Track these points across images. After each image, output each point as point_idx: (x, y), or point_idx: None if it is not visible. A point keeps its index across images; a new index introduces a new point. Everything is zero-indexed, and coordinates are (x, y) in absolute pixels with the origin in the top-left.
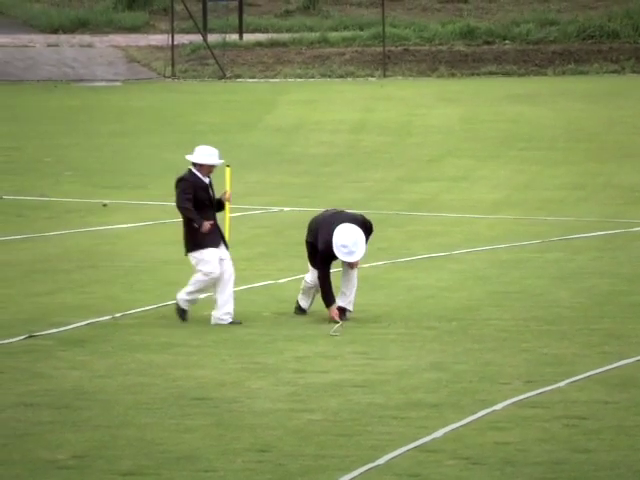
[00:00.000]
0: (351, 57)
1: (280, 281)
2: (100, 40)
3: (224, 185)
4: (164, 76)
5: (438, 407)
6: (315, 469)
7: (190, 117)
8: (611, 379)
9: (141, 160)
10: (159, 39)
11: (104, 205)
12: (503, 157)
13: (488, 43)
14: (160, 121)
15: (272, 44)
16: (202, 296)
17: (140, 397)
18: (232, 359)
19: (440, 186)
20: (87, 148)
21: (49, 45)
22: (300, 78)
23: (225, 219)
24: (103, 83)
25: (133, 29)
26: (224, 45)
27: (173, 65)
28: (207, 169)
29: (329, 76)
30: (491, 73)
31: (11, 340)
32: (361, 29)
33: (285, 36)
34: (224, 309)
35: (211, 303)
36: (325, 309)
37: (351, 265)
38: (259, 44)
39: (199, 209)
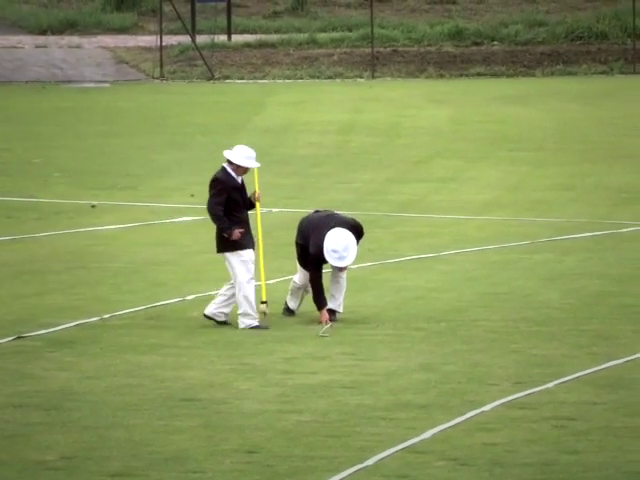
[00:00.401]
0: (339, 58)
1: (269, 282)
2: (89, 41)
3: (253, 185)
4: (153, 77)
5: (427, 408)
6: (304, 470)
7: (179, 118)
8: (600, 380)
9: (130, 161)
10: (147, 40)
11: (93, 206)
12: (492, 158)
13: (477, 44)
14: (149, 122)
15: (260, 45)
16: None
17: (129, 398)
18: (221, 360)
19: (429, 187)
20: (76, 149)
21: (37, 46)
22: (289, 79)
23: (257, 219)
24: (92, 84)
25: (122, 30)
26: (212, 46)
27: (162, 66)
28: (243, 170)
29: (318, 77)
30: (480, 74)
31: (0, 341)
32: (349, 30)
33: (273, 37)
34: (225, 309)
35: (202, 303)
36: (314, 311)
37: (340, 269)
38: (247, 45)
39: (232, 209)
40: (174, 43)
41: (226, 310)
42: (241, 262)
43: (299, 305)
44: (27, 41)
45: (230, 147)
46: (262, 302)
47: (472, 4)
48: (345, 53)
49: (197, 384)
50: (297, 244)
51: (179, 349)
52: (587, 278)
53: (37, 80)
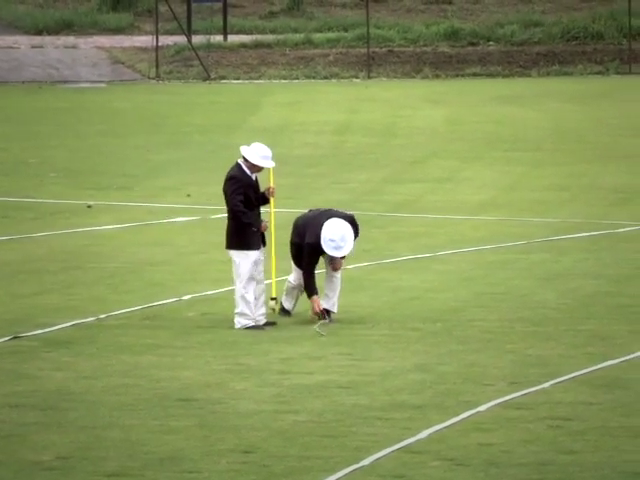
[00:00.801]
0: (335, 58)
1: (265, 282)
2: (84, 41)
3: (267, 182)
4: (148, 77)
5: (422, 408)
6: (300, 470)
7: (175, 118)
8: (596, 380)
9: (126, 161)
10: (143, 40)
11: (89, 206)
12: (488, 158)
13: (472, 44)
14: (145, 122)
15: (256, 45)
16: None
17: (125, 398)
18: (217, 360)
19: (425, 187)
20: (72, 149)
21: (33, 46)
22: (284, 79)
23: (270, 215)
24: (87, 84)
25: (117, 30)
26: (208, 46)
27: (157, 66)
28: (257, 169)
29: (313, 77)
30: (475, 74)
31: None
32: (345, 30)
33: (269, 37)
34: (259, 311)
35: (198, 303)
36: (309, 315)
37: (334, 267)
38: (243, 45)
39: (246, 207)
40: (170, 43)
41: (262, 310)
42: (247, 262)
43: (294, 305)
44: (23, 41)
45: (225, 147)
46: (272, 298)
47: (468, 4)
48: (341, 53)
49: (193, 384)
50: (292, 244)
51: (175, 349)
52: (583, 278)
53: (33, 80)
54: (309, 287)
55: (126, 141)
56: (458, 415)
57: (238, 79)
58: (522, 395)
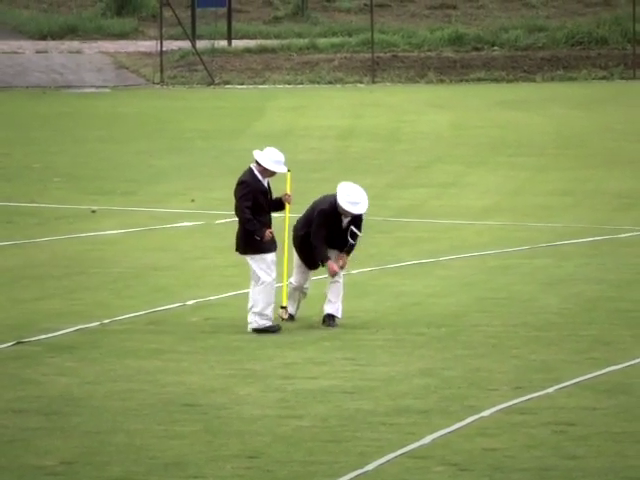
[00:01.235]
0: (340, 63)
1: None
2: (89, 46)
3: (285, 188)
4: (153, 82)
5: (426, 413)
6: (304, 475)
7: (179, 123)
8: (599, 385)
9: (130, 166)
10: (148, 45)
11: (93, 211)
12: (492, 163)
13: (477, 49)
14: (149, 127)
15: (261, 50)
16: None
17: (129, 403)
18: (221, 365)
19: (429, 192)
20: (76, 154)
21: (38, 51)
22: (289, 84)
23: (285, 220)
24: (92, 89)
25: (122, 35)
26: (213, 51)
27: (162, 71)
28: (270, 173)
29: (318, 82)
30: (480, 79)
31: (0, 346)
32: (350, 35)
33: (274, 42)
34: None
35: (202, 308)
36: (313, 316)
37: (333, 272)
38: (248, 50)
39: (256, 212)
40: (174, 48)
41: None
42: (263, 265)
43: (297, 309)
44: (27, 46)
45: (229, 152)
46: (282, 307)
47: (472, 9)
48: (345, 58)
49: (197, 389)
50: (296, 238)
51: (179, 354)
52: (586, 283)
53: (37, 85)
54: (321, 253)
55: (130, 146)
56: (462, 420)
57: (242, 84)
58: (526, 400)
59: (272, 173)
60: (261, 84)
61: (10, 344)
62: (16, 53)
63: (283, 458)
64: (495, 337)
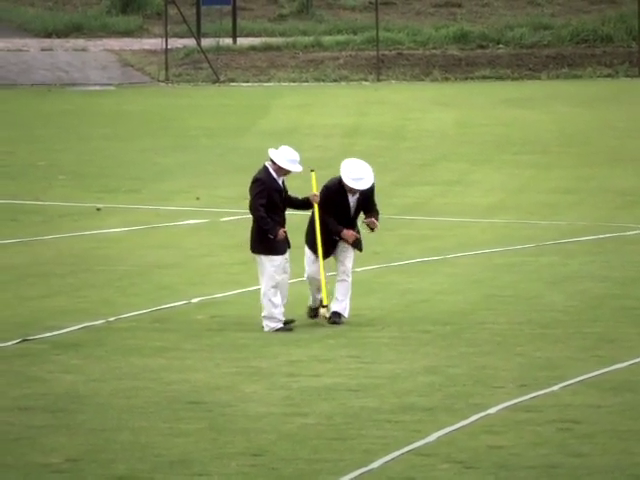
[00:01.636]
0: (345, 61)
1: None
2: (94, 44)
3: (311, 189)
4: (158, 80)
5: (432, 411)
6: (309, 473)
7: (184, 121)
8: (604, 383)
9: (134, 164)
10: (153, 43)
11: (98, 209)
12: (497, 161)
13: (482, 47)
14: (154, 125)
15: (266, 48)
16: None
17: (134, 401)
18: (226, 363)
19: (434, 190)
20: (80, 152)
21: (43, 49)
22: (294, 82)
23: (315, 221)
24: (97, 87)
25: (127, 33)
26: (218, 49)
27: (167, 69)
28: (284, 172)
29: (323, 80)
30: (485, 77)
31: (5, 344)
32: (355, 33)
33: (279, 40)
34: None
35: (207, 306)
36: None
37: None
38: (253, 48)
39: (271, 211)
40: (179, 46)
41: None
42: (272, 266)
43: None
44: (32, 44)
45: (234, 150)
46: (323, 306)
47: (477, 7)
48: (350, 56)
49: (202, 387)
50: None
51: (184, 352)
52: (591, 281)
53: (42, 83)
54: (332, 227)
55: (135, 144)
56: (467, 418)
57: (247, 82)
58: (531, 398)
59: (287, 172)
60: (266, 82)
61: (16, 342)
62: (21, 51)
63: (288, 456)
64: (500, 335)
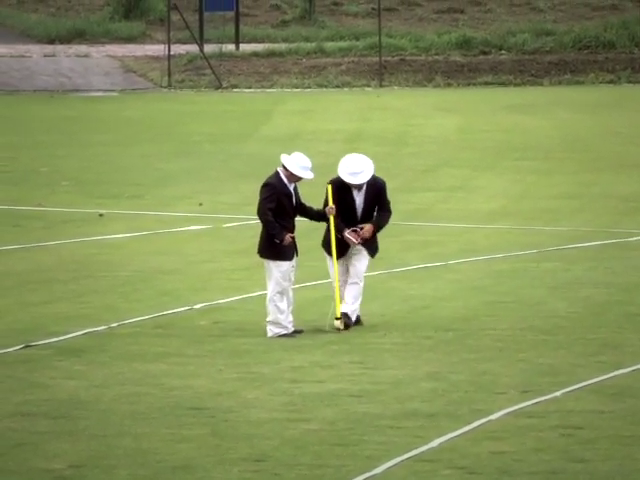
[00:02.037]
0: (347, 67)
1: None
2: (97, 50)
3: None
4: (160, 86)
5: (434, 417)
6: (311, 479)
7: (186, 127)
8: (607, 389)
9: (137, 170)
10: (156, 49)
11: (100, 215)
12: (499, 167)
13: (484, 53)
14: (156, 131)
15: (268, 54)
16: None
17: (136, 407)
18: (228, 369)
19: (436, 196)
20: (83, 158)
21: (46, 55)
22: (296, 88)
23: (331, 233)
24: (100, 93)
25: (130, 39)
26: (220, 55)
27: (170, 75)
28: (296, 178)
29: (325, 86)
30: (487, 83)
31: (7, 350)
32: (357, 39)
33: (281, 46)
34: (288, 318)
35: (209, 311)
36: (319, 321)
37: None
38: (255, 54)
39: (279, 216)
40: (182, 52)
41: (290, 318)
42: (279, 272)
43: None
44: (35, 50)
45: (237, 156)
46: (336, 318)
47: (479, 13)
48: (353, 62)
49: (205, 393)
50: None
51: (187, 358)
52: (594, 287)
53: (45, 89)
54: (336, 228)
55: (137, 150)
56: (470, 423)
57: (250, 88)
58: (533, 404)
59: (298, 178)
60: (269, 88)
61: (18, 347)
62: (24, 57)
63: (290, 461)
64: (503, 341)
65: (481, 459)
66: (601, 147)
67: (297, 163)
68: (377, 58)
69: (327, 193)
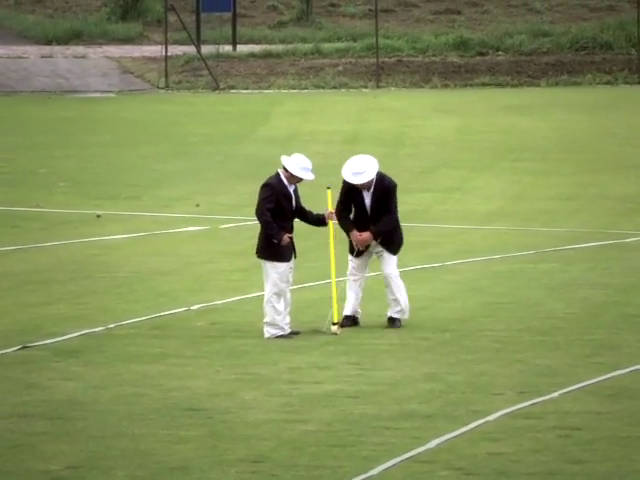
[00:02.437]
0: (344, 68)
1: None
2: (94, 51)
3: (325, 206)
4: (158, 87)
5: (431, 418)
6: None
7: (183, 128)
8: (604, 390)
9: (134, 171)
10: (153, 50)
11: (98, 216)
12: (496, 168)
13: (481, 54)
14: (153, 132)
15: (265, 55)
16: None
17: (134, 408)
18: (226, 370)
19: (434, 197)
20: (81, 159)
21: (43, 56)
22: (293, 89)
23: (330, 239)
24: (97, 94)
25: (127, 40)
26: (218, 56)
27: (167, 76)
28: (296, 179)
29: (322, 87)
30: (484, 84)
31: (5, 351)
32: (354, 40)
33: (279, 47)
34: (284, 320)
35: (207, 312)
36: (315, 322)
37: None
38: (252, 55)
39: (278, 217)
40: (179, 53)
41: (287, 320)
42: (276, 273)
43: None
44: (32, 51)
45: (234, 157)
46: (333, 323)
47: (477, 14)
48: (350, 63)
49: (202, 394)
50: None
51: (184, 359)
52: (591, 288)
53: (42, 90)
54: (343, 226)
55: (134, 151)
56: (467, 424)
57: (247, 89)
58: (531, 405)
59: (299, 179)
60: (266, 89)
61: (16, 348)
62: (21, 58)
63: (288, 462)
64: (500, 342)
65: (478, 460)
66: (598, 148)
67: (297, 164)
68: (374, 59)
69: (328, 199)
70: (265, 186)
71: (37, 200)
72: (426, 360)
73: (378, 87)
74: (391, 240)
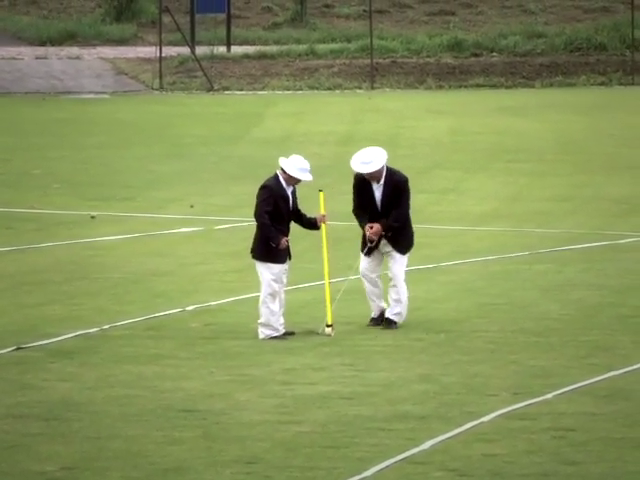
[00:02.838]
0: (339, 69)
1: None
2: (88, 52)
3: (318, 209)
4: (152, 88)
5: (426, 419)
6: None
7: (178, 129)
8: (599, 391)
9: (129, 172)
10: (147, 51)
11: (92, 217)
12: (491, 169)
13: (475, 55)
14: (148, 133)
15: (260, 56)
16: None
17: (128, 409)
18: (220, 371)
19: (428, 198)
20: (75, 160)
21: (37, 57)
22: (288, 90)
23: (323, 242)
24: (91, 95)
25: (121, 41)
26: (212, 57)
27: (161, 77)
28: (294, 181)
29: (317, 88)
30: (479, 85)
31: (0, 352)
32: (349, 41)
33: (273, 48)
34: (279, 321)
35: (201, 313)
36: (310, 322)
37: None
38: (247, 56)
39: (275, 219)
40: (173, 54)
41: (281, 321)
42: (271, 274)
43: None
44: (27, 52)
45: (228, 158)
46: (327, 325)
47: (471, 15)
48: (344, 64)
49: (196, 395)
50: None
51: (179, 360)
52: (586, 289)
53: (37, 91)
54: (359, 221)
55: (129, 152)
56: (461, 426)
57: (241, 90)
58: (525, 406)
59: (297, 180)
60: (260, 90)
61: (11, 349)
62: (15, 59)
63: (282, 464)
64: (494, 343)
65: (472, 461)
66: (593, 149)
67: (295, 165)
68: (369, 60)
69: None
70: (263, 188)
71: (32, 201)
72: (420, 361)
73: (372, 88)
74: (399, 238)
